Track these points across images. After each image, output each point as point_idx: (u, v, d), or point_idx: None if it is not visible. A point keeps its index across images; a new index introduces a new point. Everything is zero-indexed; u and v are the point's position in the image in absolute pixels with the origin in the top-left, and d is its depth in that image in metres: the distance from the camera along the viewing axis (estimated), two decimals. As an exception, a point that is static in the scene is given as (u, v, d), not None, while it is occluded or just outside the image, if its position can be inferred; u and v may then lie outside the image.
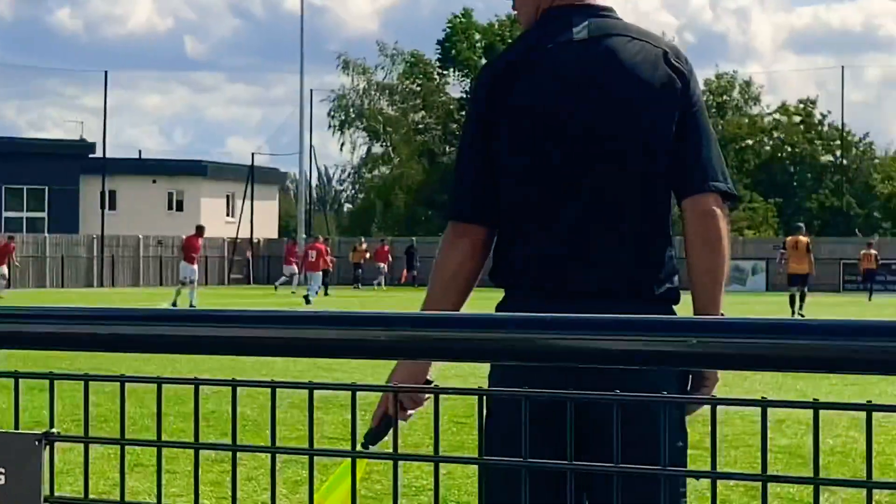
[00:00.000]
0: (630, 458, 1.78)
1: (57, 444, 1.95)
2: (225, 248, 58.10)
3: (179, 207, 64.34)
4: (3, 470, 1.91)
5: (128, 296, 41.19)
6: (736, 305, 29.35)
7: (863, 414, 1.55)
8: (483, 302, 2.77)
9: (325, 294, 40.74)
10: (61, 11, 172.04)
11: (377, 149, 73.89)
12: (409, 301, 32.73)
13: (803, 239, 29.50)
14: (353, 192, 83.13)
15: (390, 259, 52.49)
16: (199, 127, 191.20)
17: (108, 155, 58.64)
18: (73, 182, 60.51)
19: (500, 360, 2.32)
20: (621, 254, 3.11)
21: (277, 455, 1.86)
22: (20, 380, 1.99)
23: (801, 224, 32.68)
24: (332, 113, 72.29)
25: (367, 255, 51.38)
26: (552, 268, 3.09)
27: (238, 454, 1.89)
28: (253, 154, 65.74)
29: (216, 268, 56.58)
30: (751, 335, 1.44)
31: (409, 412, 3.17)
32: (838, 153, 68.95)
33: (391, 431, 1.83)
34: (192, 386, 1.92)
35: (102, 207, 55.02)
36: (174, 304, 30.98)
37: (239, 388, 1.86)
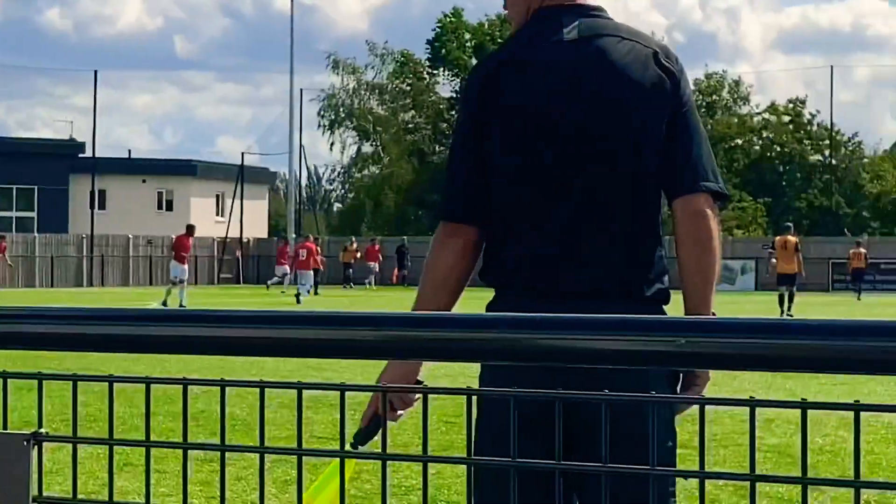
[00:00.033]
0: (621, 457, 1.78)
1: (46, 444, 1.95)
2: (214, 248, 58.04)
3: (169, 207, 64.28)
4: (-9, 470, 1.91)
5: (117, 295, 41.13)
6: (725, 305, 29.37)
7: (852, 413, 1.55)
8: (473, 301, 2.77)
9: (315, 293, 40.72)
10: (51, 11, 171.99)
11: (367, 148, 73.89)
12: (399, 301, 32.73)
13: (792, 239, 29.56)
14: (342, 191, 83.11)
15: (381, 258, 52.47)
16: (188, 126, 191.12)
17: (97, 154, 58.52)
18: (62, 182, 60.44)
19: (491, 361, 2.32)
20: (612, 254, 3.11)
21: (266, 455, 1.85)
22: (8, 380, 1.99)
23: (790, 224, 32.73)
24: (322, 112, 72.30)
25: (358, 255, 51.36)
26: (544, 268, 3.10)
27: (227, 454, 1.89)
28: (243, 153, 65.83)
29: (206, 267, 56.53)
30: (739, 335, 1.44)
31: (399, 413, 3.17)
32: (827, 153, 69.06)
33: (381, 431, 1.83)
34: (181, 386, 1.91)
35: (92, 207, 54.91)
36: (165, 304, 30.96)
37: (228, 388, 1.86)
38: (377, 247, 52.85)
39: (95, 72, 58.91)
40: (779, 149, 70.18)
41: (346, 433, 1.86)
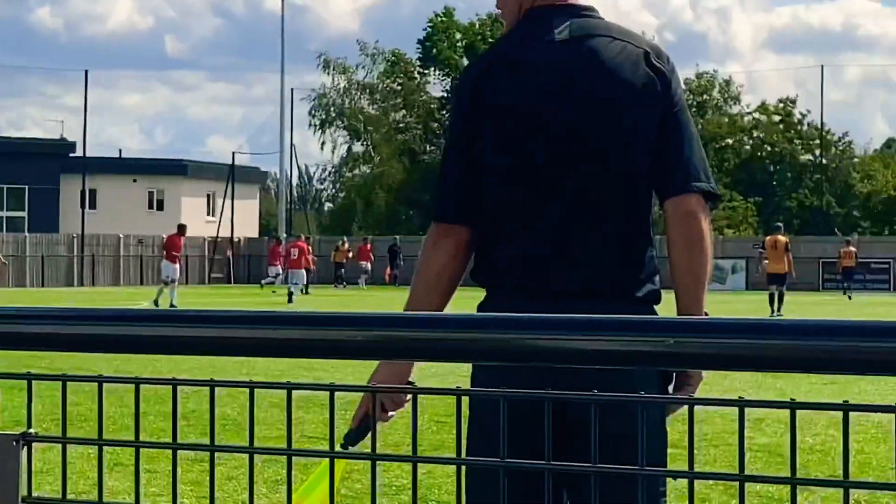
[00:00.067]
0: (612, 457, 1.79)
1: (35, 444, 1.95)
2: (205, 248, 57.97)
3: (160, 206, 64.22)
4: (-19, 470, 1.91)
5: (108, 295, 41.06)
6: (716, 304, 29.35)
7: (841, 413, 1.55)
8: (464, 301, 2.77)
9: (306, 293, 40.69)
10: (41, 10, 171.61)
11: (358, 148, 73.87)
12: (391, 300, 32.72)
13: (782, 239, 29.60)
14: (333, 191, 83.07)
15: (373, 258, 52.44)
16: (179, 126, 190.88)
17: (88, 154, 58.47)
18: (53, 181, 60.34)
19: (481, 361, 2.32)
20: (604, 254, 3.11)
21: (257, 455, 1.85)
22: (-1, 380, 1.98)
23: (780, 224, 32.78)
24: (313, 112, 72.23)
25: (350, 255, 51.33)
26: (535, 268, 3.10)
27: (218, 454, 1.88)
28: (234, 153, 65.81)
29: (196, 267, 56.45)
30: (728, 335, 1.44)
31: (390, 413, 3.17)
32: (818, 152, 69.19)
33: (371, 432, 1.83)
34: (171, 386, 1.91)
35: (83, 206, 54.84)
36: (156, 304, 30.91)
37: (219, 388, 1.86)
38: (369, 246, 52.81)
39: (86, 71, 59.11)
40: (769, 148, 70.29)
41: (337, 433, 1.86)
